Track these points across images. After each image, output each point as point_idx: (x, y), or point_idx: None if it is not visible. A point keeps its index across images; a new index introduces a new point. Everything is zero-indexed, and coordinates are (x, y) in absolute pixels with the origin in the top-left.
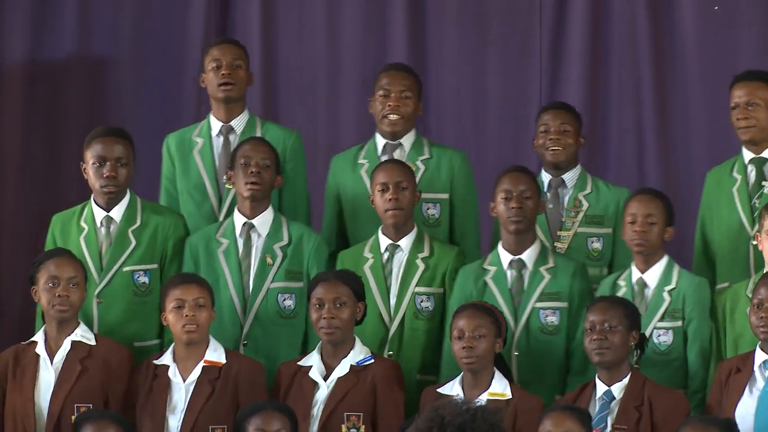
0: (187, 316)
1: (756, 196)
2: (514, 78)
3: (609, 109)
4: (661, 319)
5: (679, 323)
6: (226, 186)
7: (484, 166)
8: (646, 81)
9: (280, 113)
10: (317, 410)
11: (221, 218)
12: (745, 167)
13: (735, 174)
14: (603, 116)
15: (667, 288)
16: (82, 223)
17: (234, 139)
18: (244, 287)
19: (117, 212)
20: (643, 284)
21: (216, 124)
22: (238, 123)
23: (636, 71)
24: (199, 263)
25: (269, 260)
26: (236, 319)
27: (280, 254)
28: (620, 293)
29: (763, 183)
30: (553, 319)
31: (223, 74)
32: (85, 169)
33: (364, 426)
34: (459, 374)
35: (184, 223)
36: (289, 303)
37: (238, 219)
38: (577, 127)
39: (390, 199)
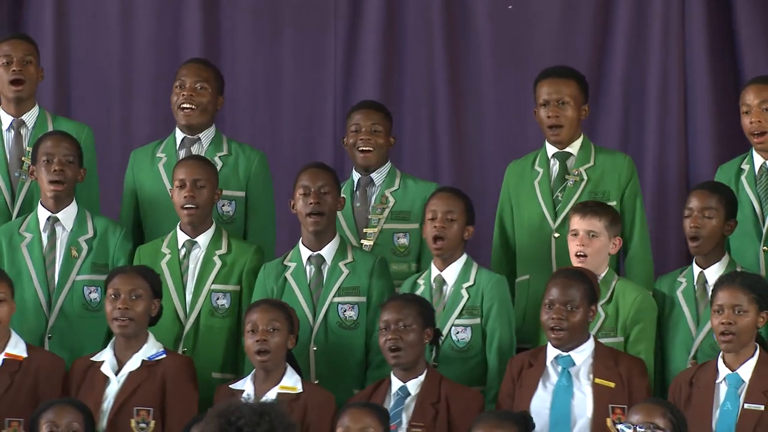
0: None
1: (559, 190)
2: (308, 74)
3: (403, 108)
4: (459, 316)
5: (478, 320)
6: (20, 179)
7: (279, 163)
8: (440, 78)
9: (73, 108)
10: (107, 405)
11: (15, 213)
12: (548, 161)
13: (537, 167)
14: (397, 114)
15: (465, 285)
16: None
17: (26, 133)
18: (49, 281)
19: None
20: (441, 281)
21: (6, 118)
22: (30, 117)
23: (430, 69)
24: (2, 258)
25: (74, 253)
26: (41, 312)
27: (85, 247)
28: (419, 291)
29: (567, 176)
30: (351, 313)
31: (13, 71)
32: None
33: (154, 421)
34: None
35: None
36: (95, 296)
37: (42, 213)
38: (387, 126)
39: (186, 196)
